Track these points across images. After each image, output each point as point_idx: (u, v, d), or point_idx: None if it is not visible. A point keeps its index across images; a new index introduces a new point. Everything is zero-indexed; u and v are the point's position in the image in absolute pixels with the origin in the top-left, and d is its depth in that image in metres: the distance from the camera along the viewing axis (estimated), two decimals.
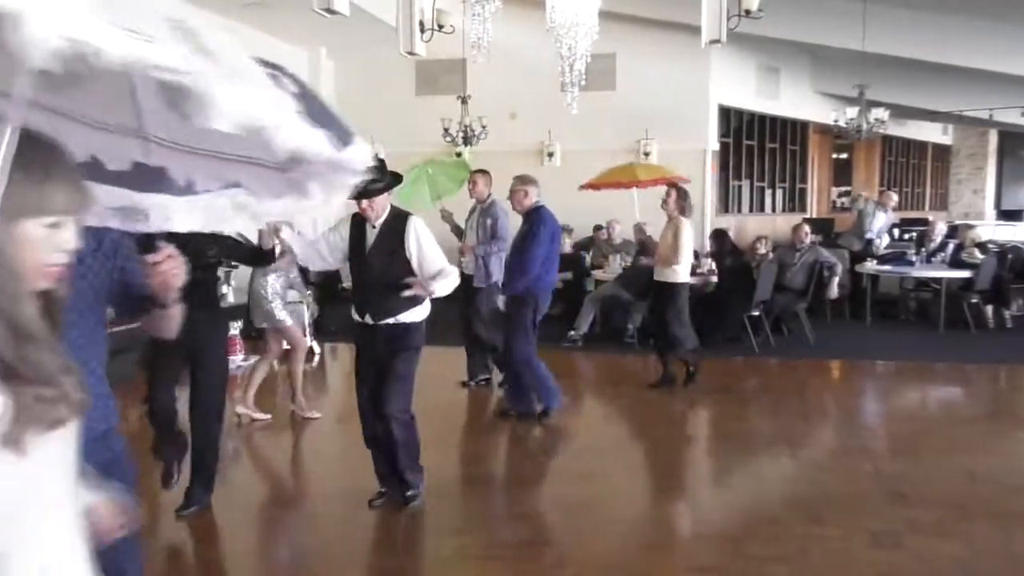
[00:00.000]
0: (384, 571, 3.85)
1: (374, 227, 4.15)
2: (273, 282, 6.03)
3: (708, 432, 6.58)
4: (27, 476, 1.18)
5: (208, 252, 4.12)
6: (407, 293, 4.01)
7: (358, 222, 4.20)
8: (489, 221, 6.77)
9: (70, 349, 1.80)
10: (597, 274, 10.24)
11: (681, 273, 6.91)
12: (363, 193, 3.89)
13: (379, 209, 4.11)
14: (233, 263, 6.56)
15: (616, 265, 9.88)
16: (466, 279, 6.37)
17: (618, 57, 12.30)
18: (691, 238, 6.95)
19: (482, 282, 6.81)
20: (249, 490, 4.95)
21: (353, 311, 4.30)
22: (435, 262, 4.13)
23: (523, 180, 6.11)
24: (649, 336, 7.21)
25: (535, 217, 5.96)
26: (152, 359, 4.54)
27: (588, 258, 10.79)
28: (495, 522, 4.35)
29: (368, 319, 4.20)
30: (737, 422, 6.38)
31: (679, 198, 6.87)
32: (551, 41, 9.29)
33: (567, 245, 10.34)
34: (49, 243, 1.28)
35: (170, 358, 4.34)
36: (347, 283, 6.09)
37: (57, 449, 1.24)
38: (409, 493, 4.32)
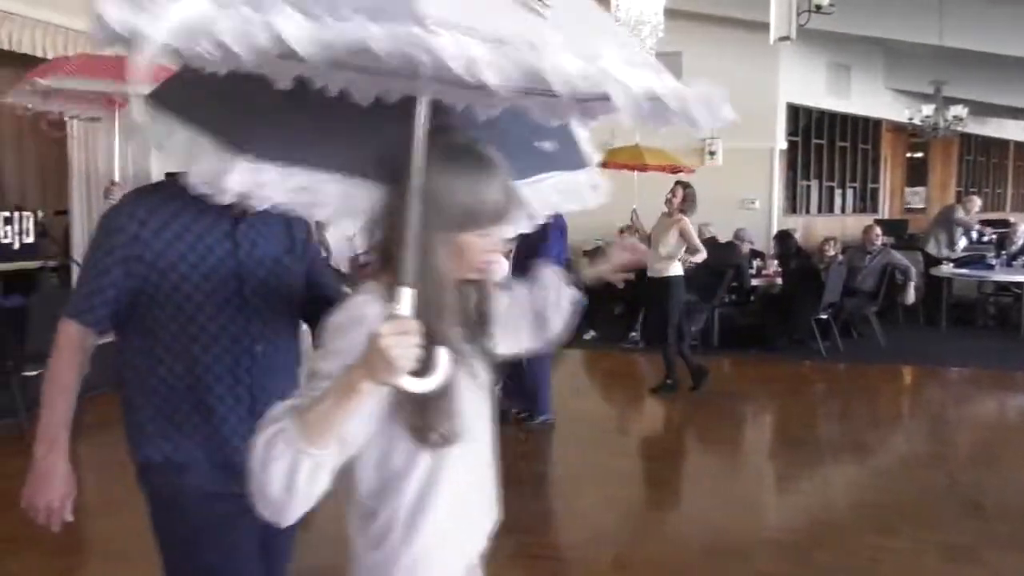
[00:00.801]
0: None
1: None
2: None
3: (772, 436, 6.41)
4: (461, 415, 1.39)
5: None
6: None
7: None
8: None
9: (278, 354, 1.98)
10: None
11: (678, 267, 6.71)
12: None
13: None
14: None
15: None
16: None
17: (684, 56, 12.15)
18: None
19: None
20: None
21: None
22: None
23: None
24: (648, 338, 6.88)
25: None
26: None
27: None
28: (553, 521, 4.30)
29: None
30: (803, 427, 6.22)
31: (687, 199, 6.62)
32: None
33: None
34: (484, 245, 1.42)
35: None
36: None
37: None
38: None
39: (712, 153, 12.36)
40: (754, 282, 9.49)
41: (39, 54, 6.47)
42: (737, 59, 11.93)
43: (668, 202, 6.70)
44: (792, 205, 13.36)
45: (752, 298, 9.53)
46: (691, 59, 12.19)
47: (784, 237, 10.09)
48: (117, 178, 6.64)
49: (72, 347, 1.86)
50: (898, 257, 9.30)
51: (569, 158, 1.93)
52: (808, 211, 13.76)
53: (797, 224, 11.90)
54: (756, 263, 10.00)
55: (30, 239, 6.67)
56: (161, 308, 1.85)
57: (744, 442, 6.18)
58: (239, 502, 1.63)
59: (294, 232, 2.04)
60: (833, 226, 13.05)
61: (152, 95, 1.59)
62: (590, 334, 9.55)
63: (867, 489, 4.84)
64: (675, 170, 7.12)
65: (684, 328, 6.77)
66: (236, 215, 1.88)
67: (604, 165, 6.56)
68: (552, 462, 5.41)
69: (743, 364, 8.32)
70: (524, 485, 4.89)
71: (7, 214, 6.26)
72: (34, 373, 5.75)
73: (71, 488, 1.92)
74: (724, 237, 9.91)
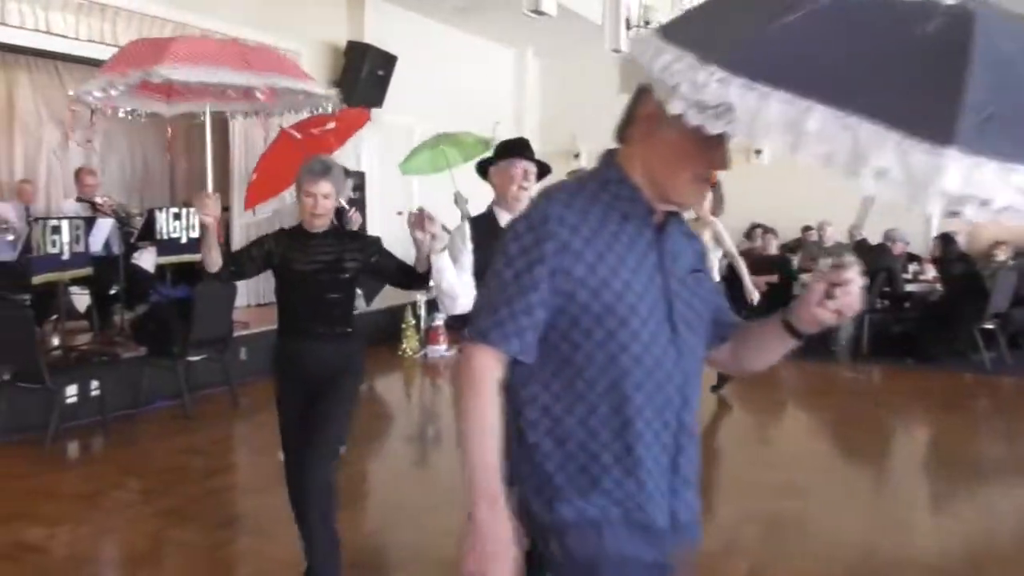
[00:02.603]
0: None
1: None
2: None
3: (928, 453, 6.02)
4: None
5: (346, 261, 3.26)
6: None
7: (482, 223, 3.19)
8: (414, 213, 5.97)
9: (696, 393, 1.72)
10: (805, 278, 9.75)
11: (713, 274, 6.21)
12: (531, 157, 3.15)
13: None
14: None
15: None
16: None
17: None
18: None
19: None
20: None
21: None
22: None
23: None
24: None
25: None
26: None
27: (796, 261, 10.30)
28: None
29: None
30: (963, 445, 5.83)
31: (717, 200, 6.05)
32: None
33: (773, 246, 9.89)
34: None
35: None
36: None
37: None
38: None
39: (758, 152, 11.74)
40: (909, 287, 8.99)
41: None
42: None
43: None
44: None
45: (907, 304, 9.03)
46: None
47: (947, 240, 9.48)
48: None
49: (492, 380, 1.52)
50: None
51: None
52: None
53: (960, 227, 11.16)
54: (912, 267, 9.48)
55: (196, 234, 7.12)
56: (587, 335, 1.53)
57: (895, 458, 5.86)
58: (654, 571, 1.53)
59: (694, 240, 1.73)
60: (1001, 229, 12.16)
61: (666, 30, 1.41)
62: None
63: None
64: None
65: None
66: (659, 222, 1.59)
67: None
68: None
69: (895, 375, 7.91)
70: None
71: (176, 210, 6.70)
72: (197, 358, 6.16)
73: (515, 551, 1.51)
74: (875, 239, 9.43)
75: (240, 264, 3.18)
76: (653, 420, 1.56)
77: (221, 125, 7.31)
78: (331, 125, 5.87)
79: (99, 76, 3.68)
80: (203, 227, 3.09)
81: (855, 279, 1.46)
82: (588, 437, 1.55)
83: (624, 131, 1.60)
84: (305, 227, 3.22)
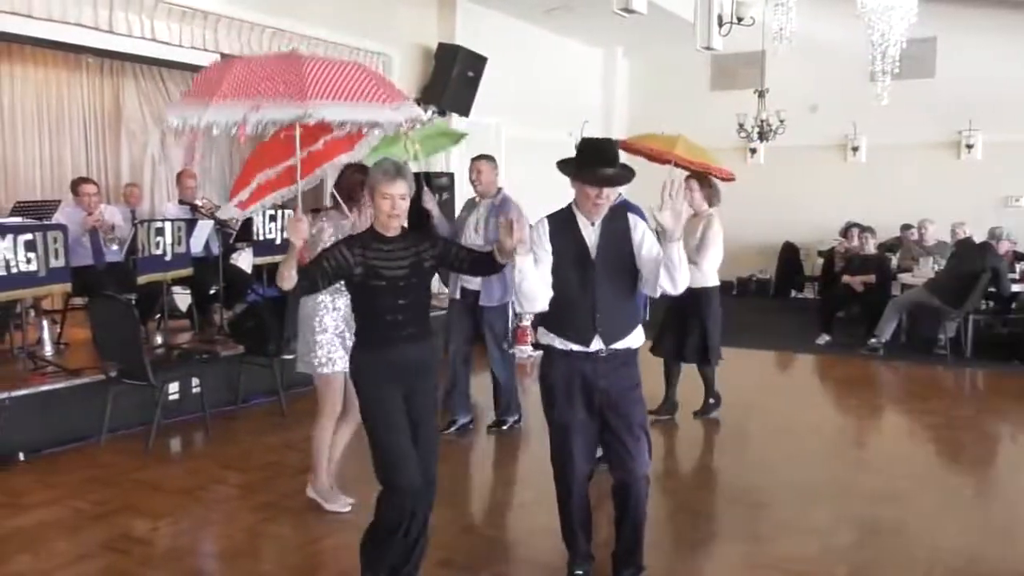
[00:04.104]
0: (668, 571, 3.77)
1: (592, 224, 3.26)
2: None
3: None
4: None
5: (425, 260, 3.23)
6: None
7: (560, 223, 3.29)
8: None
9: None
10: (904, 278, 9.42)
11: (712, 275, 5.72)
12: (610, 180, 3.16)
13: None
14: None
15: (928, 269, 9.04)
16: (468, 295, 5.56)
17: (939, 40, 11.22)
18: (721, 235, 5.67)
19: (493, 300, 5.52)
20: None
21: (558, 339, 3.28)
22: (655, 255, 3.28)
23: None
24: (680, 355, 5.86)
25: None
26: None
27: (895, 260, 9.95)
28: (784, 534, 4.11)
29: (596, 344, 3.24)
30: None
31: (705, 187, 5.69)
32: (861, 27, 8.68)
33: (871, 245, 9.58)
34: None
35: None
36: None
37: None
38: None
39: (970, 146, 11.33)
40: (1015, 287, 8.57)
41: None
42: (1003, 42, 10.83)
43: (689, 201, 5.41)
44: None
45: (1013, 305, 8.62)
46: (946, 44, 11.26)
47: None
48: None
49: None
50: None
51: None
52: None
53: None
54: (1020, 266, 9.05)
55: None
56: None
57: (1002, 464, 5.60)
58: None
59: None
60: None
61: None
62: (823, 339, 9.06)
63: None
64: (706, 171, 5.65)
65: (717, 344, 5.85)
66: None
67: (629, 149, 5.65)
68: (782, 473, 5.16)
69: (1001, 378, 7.56)
70: (756, 495, 4.72)
71: (272, 212, 6.87)
72: (291, 357, 6.33)
73: None
74: (980, 237, 9.03)
75: (313, 279, 3.11)
76: None
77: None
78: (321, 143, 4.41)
79: (219, 105, 3.34)
80: (291, 248, 3.09)
81: None
82: None
83: None
84: (380, 231, 3.16)
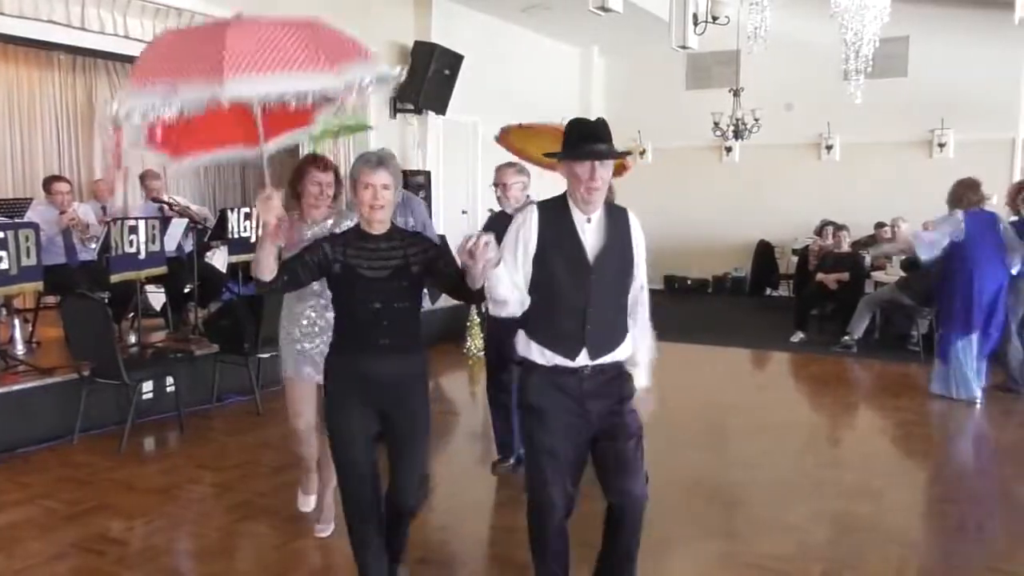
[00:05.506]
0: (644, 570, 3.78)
1: (588, 221, 2.83)
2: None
3: (1019, 458, 5.65)
4: None
5: (412, 265, 2.97)
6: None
7: (552, 213, 2.84)
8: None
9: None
10: (878, 275, 9.52)
11: None
12: (599, 154, 2.75)
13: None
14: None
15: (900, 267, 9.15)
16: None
17: (911, 40, 11.35)
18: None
19: None
20: None
21: (539, 350, 2.85)
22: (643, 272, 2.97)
23: (521, 170, 4.73)
24: None
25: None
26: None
27: (868, 258, 10.05)
28: (760, 531, 4.14)
29: (581, 359, 2.82)
30: None
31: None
32: (834, 26, 8.75)
33: (845, 243, 9.67)
34: None
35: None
36: None
37: None
38: None
39: (942, 145, 11.47)
40: None
41: None
42: (974, 43, 10.97)
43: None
44: None
45: None
46: (919, 43, 11.38)
47: None
48: None
49: None
50: None
51: None
52: None
53: None
54: None
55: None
56: None
57: (977, 459, 5.67)
58: None
59: None
60: None
61: None
62: (798, 336, 9.13)
63: None
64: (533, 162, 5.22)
65: None
66: None
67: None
68: (758, 470, 5.19)
69: None
70: (732, 491, 4.76)
71: (247, 210, 6.85)
72: (267, 355, 6.29)
73: None
74: None
75: (293, 272, 2.90)
76: None
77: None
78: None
79: (139, 91, 2.70)
80: (265, 228, 2.79)
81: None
82: None
83: None
84: (364, 228, 2.95)
